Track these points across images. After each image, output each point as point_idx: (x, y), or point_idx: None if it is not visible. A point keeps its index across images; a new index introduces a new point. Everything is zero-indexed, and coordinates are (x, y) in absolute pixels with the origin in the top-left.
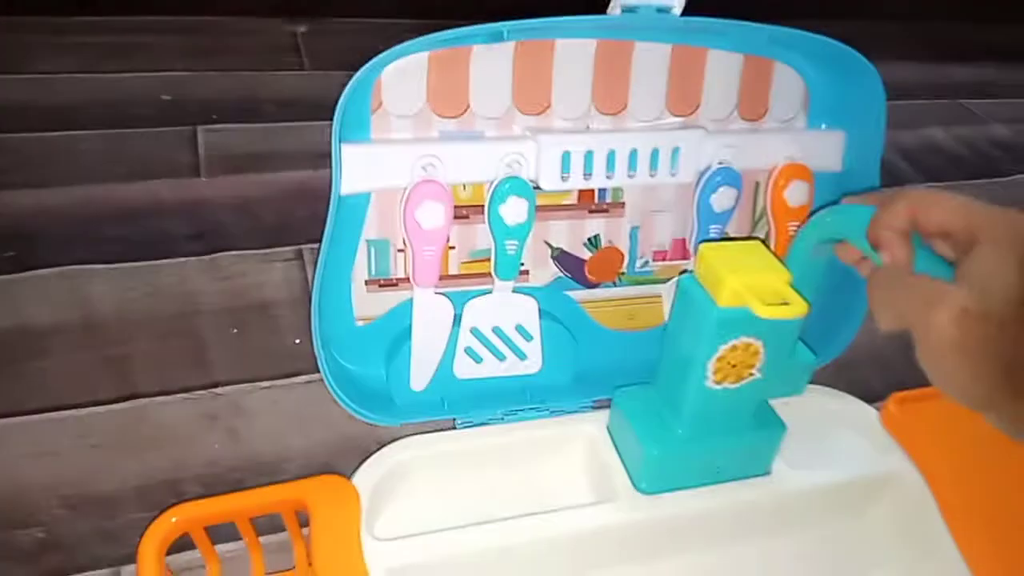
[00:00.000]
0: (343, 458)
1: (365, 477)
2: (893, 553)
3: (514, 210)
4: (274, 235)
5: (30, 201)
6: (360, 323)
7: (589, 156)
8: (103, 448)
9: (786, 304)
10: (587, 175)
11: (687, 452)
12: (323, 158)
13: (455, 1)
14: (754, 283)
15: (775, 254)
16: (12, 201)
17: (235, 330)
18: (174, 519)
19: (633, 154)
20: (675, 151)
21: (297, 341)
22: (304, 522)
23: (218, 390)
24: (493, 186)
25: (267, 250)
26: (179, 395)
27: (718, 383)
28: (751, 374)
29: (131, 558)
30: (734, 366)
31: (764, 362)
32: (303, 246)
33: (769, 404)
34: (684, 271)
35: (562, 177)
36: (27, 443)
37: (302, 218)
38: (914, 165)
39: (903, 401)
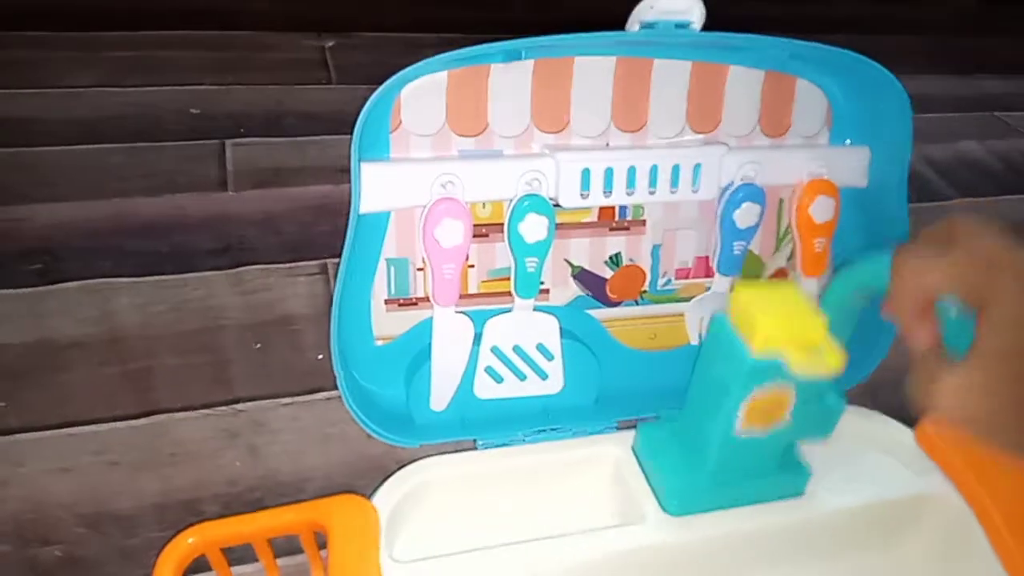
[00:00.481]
0: (363, 477)
1: (385, 497)
2: None
3: (534, 228)
4: (299, 249)
5: (57, 214)
6: (380, 342)
7: (609, 173)
8: (122, 465)
9: (821, 355)
10: (607, 192)
11: (711, 497)
12: (349, 173)
13: (480, 16)
14: (790, 330)
15: (811, 299)
16: (39, 214)
17: (258, 345)
18: (191, 540)
19: (653, 170)
20: (696, 167)
21: (319, 357)
22: (322, 543)
23: (239, 406)
24: (512, 204)
25: (291, 264)
26: (200, 411)
27: (746, 429)
28: (780, 419)
29: None
30: (764, 413)
31: (794, 408)
32: (327, 260)
33: (796, 446)
34: (707, 289)
35: (581, 195)
36: (48, 458)
37: (327, 232)
38: (947, 179)
39: (939, 420)
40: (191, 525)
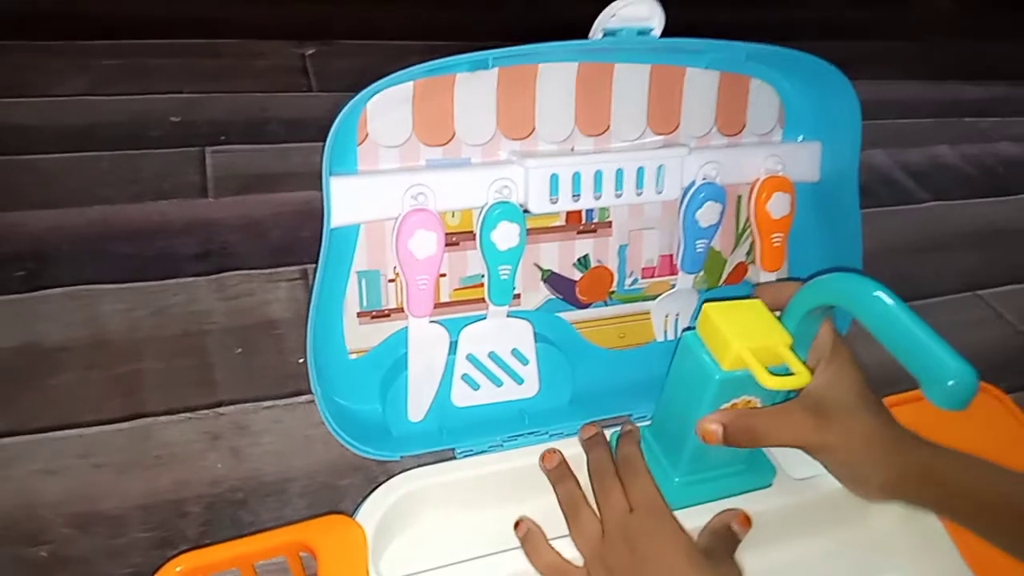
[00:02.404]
0: (344, 478)
1: (369, 514)
2: (897, 558)
3: (506, 235)
4: (280, 255)
5: (42, 220)
6: (353, 356)
7: (576, 178)
8: (108, 467)
9: (788, 372)
10: (575, 196)
11: (683, 497)
12: None
13: (459, 22)
14: (757, 347)
15: (774, 316)
16: (25, 220)
17: (240, 349)
18: (179, 568)
19: (619, 174)
20: (660, 169)
21: (300, 360)
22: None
23: (222, 409)
24: (483, 212)
25: (273, 270)
26: (183, 414)
27: None
28: None
29: (134, 575)
30: None
31: None
32: (308, 266)
33: (761, 449)
34: (672, 286)
35: (551, 200)
36: (35, 461)
37: (307, 238)
38: (920, 183)
39: (894, 405)
40: (182, 552)
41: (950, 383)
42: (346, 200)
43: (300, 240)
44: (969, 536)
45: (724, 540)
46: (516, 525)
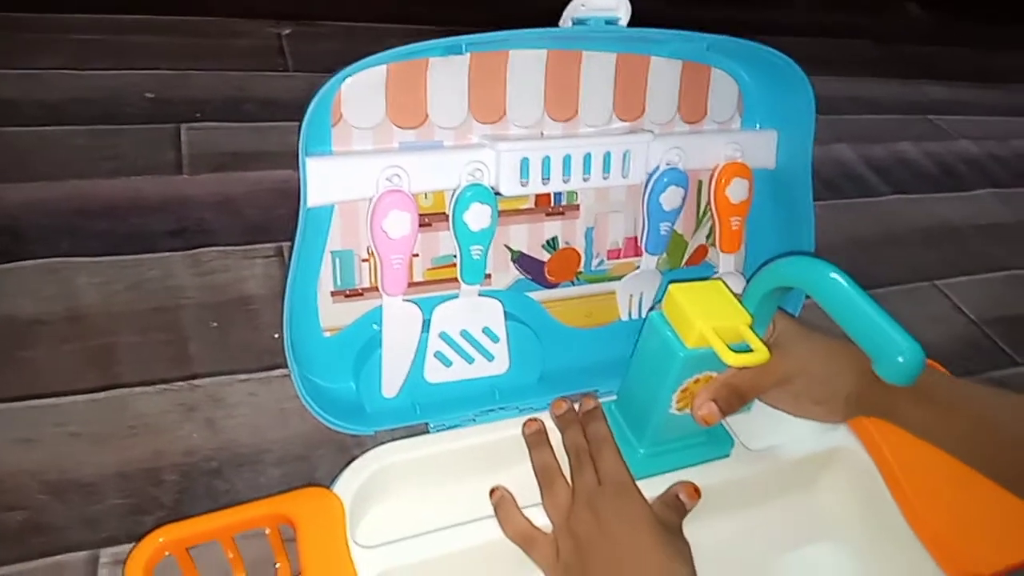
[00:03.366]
0: (319, 449)
1: (346, 486)
2: (844, 521)
3: (478, 216)
4: (255, 232)
5: (17, 194)
6: (328, 334)
7: (546, 162)
8: (84, 436)
9: (748, 349)
10: (545, 180)
11: (647, 467)
12: None
13: (436, 6)
14: (719, 326)
15: (736, 295)
16: (2, 194)
17: (215, 324)
18: (160, 539)
19: (587, 158)
20: (626, 154)
21: (276, 336)
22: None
23: (197, 382)
24: (456, 194)
25: (248, 247)
26: (159, 386)
27: (679, 410)
28: None
29: (110, 542)
30: (694, 395)
31: None
32: (283, 244)
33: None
34: (636, 267)
35: (521, 183)
36: (10, 429)
37: (283, 216)
38: (883, 177)
39: None
40: (151, 514)
41: (899, 359)
42: (321, 180)
43: (275, 218)
44: (910, 496)
45: (675, 510)
46: (491, 492)
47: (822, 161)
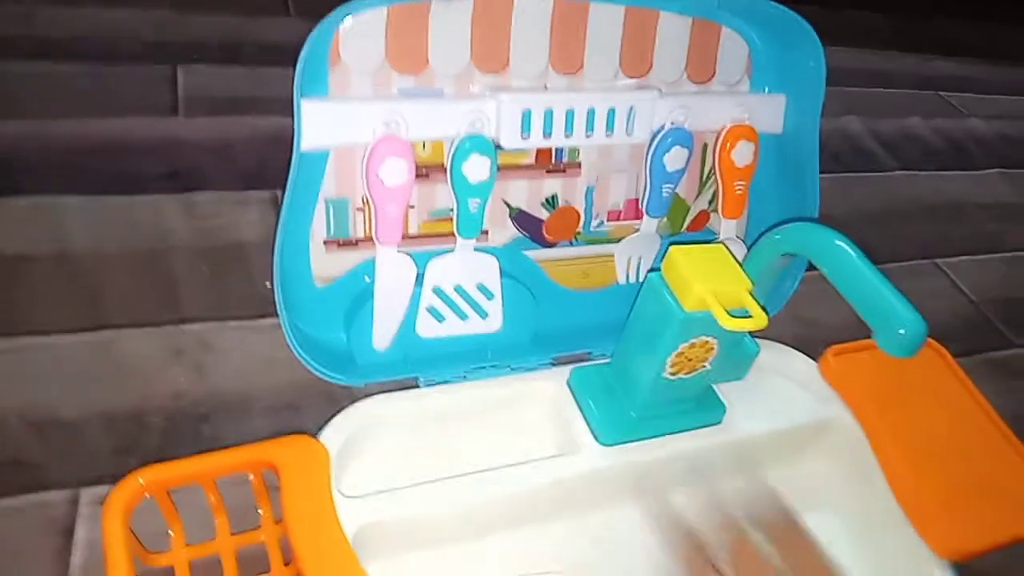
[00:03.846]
0: (307, 399)
1: (333, 435)
2: (832, 492)
3: (477, 168)
4: (250, 179)
5: (8, 130)
6: (319, 284)
7: (549, 115)
8: (69, 375)
9: (747, 315)
10: (547, 134)
11: (638, 431)
12: None
13: None
14: (719, 291)
15: (737, 260)
16: None
17: (207, 269)
18: (141, 480)
19: (591, 114)
20: (631, 111)
21: (268, 284)
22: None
23: (186, 326)
24: (455, 144)
25: (243, 192)
26: (147, 328)
27: (674, 375)
28: (703, 366)
29: (92, 481)
30: (690, 360)
31: (716, 356)
32: (279, 191)
33: (712, 387)
34: (636, 230)
35: (522, 136)
36: None
37: (279, 163)
38: (891, 152)
39: (840, 353)
40: (136, 455)
41: (901, 331)
42: (317, 123)
43: (272, 165)
44: (899, 471)
45: None
46: None
47: (829, 133)
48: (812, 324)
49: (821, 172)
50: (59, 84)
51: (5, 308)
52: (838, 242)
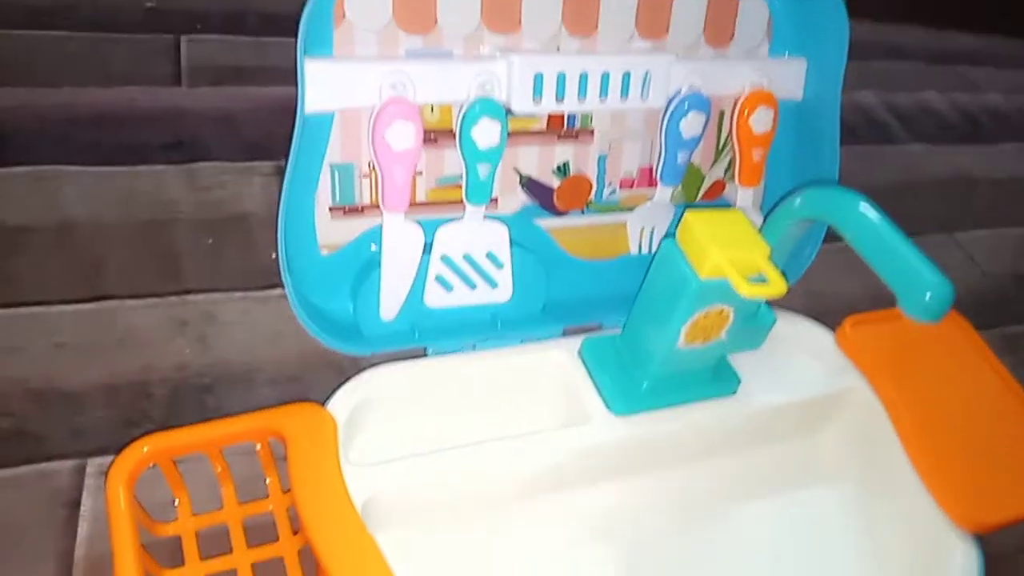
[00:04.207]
0: (312, 372)
1: (340, 404)
2: (849, 465)
3: (487, 132)
4: (254, 149)
5: (8, 100)
6: (325, 252)
7: (561, 78)
8: (71, 347)
9: (765, 280)
10: (559, 99)
11: (649, 402)
12: None
13: None
14: (735, 257)
15: (754, 226)
16: None
17: (210, 241)
18: (145, 448)
19: (605, 78)
20: (646, 75)
21: (273, 256)
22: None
23: (189, 297)
24: (464, 108)
25: (247, 163)
26: (150, 299)
27: (688, 344)
28: (719, 336)
29: (97, 452)
30: (705, 329)
31: (732, 324)
32: (283, 162)
33: (726, 357)
34: (649, 200)
35: (534, 100)
36: None
37: (283, 134)
38: (905, 125)
39: (857, 324)
40: (140, 426)
41: (927, 295)
42: (321, 85)
43: (276, 136)
44: (919, 443)
45: None
46: None
47: (844, 107)
48: (826, 296)
49: None
50: (57, 53)
51: (6, 279)
52: (861, 204)
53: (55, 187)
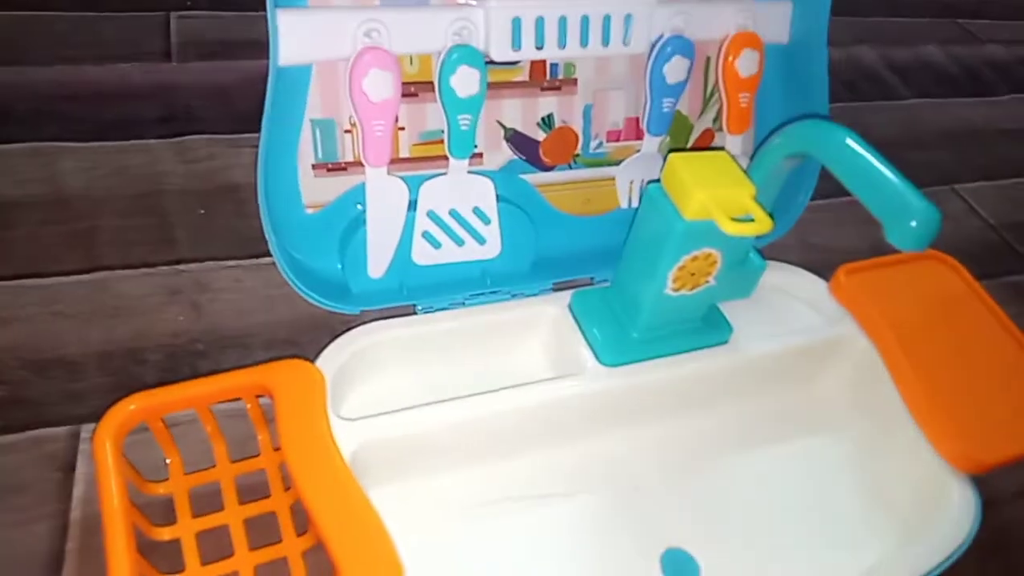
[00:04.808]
0: (305, 335)
1: (329, 361)
2: (846, 411)
3: (465, 81)
4: (244, 122)
5: (2, 77)
6: (310, 210)
7: (540, 23)
8: (67, 315)
9: (751, 219)
10: (539, 46)
11: (640, 352)
12: None
13: None
14: (720, 197)
15: (740, 167)
16: None
17: (202, 211)
18: (132, 406)
19: (585, 21)
20: (628, 18)
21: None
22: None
23: (182, 267)
24: (442, 56)
25: (237, 135)
26: (143, 269)
27: (676, 290)
28: (707, 281)
29: (92, 418)
30: (693, 275)
31: (720, 270)
32: None
33: (718, 307)
34: (637, 151)
35: (513, 48)
36: None
37: None
38: (904, 79)
39: (851, 272)
40: (135, 391)
41: (912, 223)
42: (294, 36)
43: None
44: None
45: None
46: None
47: (842, 63)
48: (823, 250)
49: (834, 101)
50: (48, 31)
51: (3, 251)
52: (843, 134)
53: (49, 162)
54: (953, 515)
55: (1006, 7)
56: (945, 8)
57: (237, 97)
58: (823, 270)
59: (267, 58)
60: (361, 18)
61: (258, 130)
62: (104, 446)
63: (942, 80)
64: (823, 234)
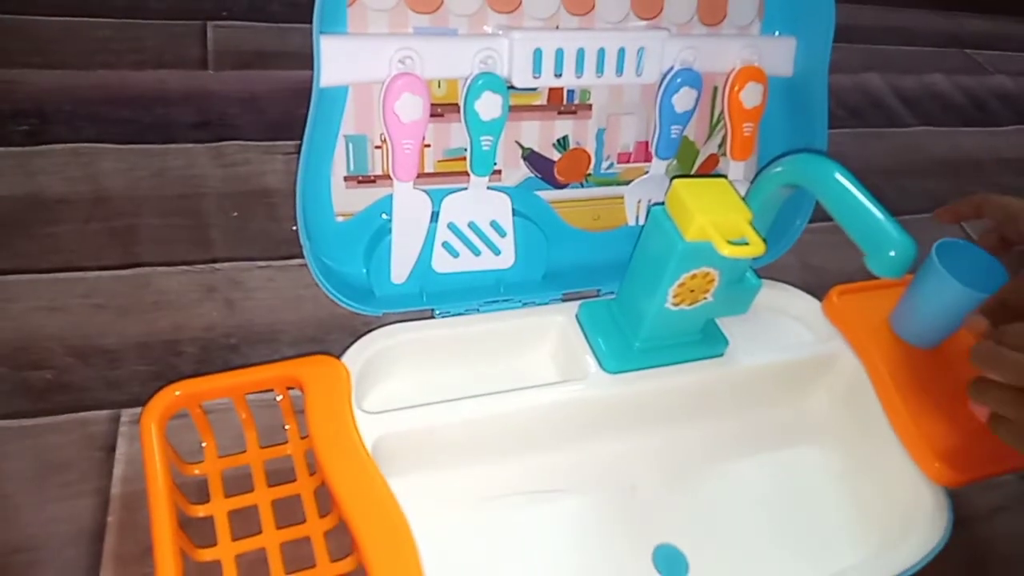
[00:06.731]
0: (331, 333)
1: (354, 357)
2: (833, 426)
3: (489, 105)
4: (277, 129)
5: (47, 80)
6: (340, 219)
7: (560, 54)
8: (108, 308)
9: (745, 243)
10: (557, 74)
11: (640, 361)
12: None
13: None
14: (719, 221)
15: (739, 194)
16: (30, 79)
17: (236, 213)
18: (177, 392)
19: (601, 53)
20: (640, 51)
21: (294, 228)
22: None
23: (217, 265)
24: (468, 82)
25: (270, 142)
26: (180, 267)
27: (676, 305)
28: (705, 298)
29: (132, 403)
30: (692, 291)
31: (718, 287)
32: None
33: (716, 322)
34: (645, 172)
35: (534, 75)
36: (38, 298)
37: (304, 115)
38: (910, 108)
39: (843, 293)
40: (172, 366)
41: (891, 253)
42: (335, 60)
43: (297, 117)
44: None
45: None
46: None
47: (850, 89)
48: (821, 271)
49: (839, 127)
50: (90, 37)
51: (45, 246)
52: (832, 168)
53: (91, 162)
54: (927, 524)
55: (1016, 39)
56: (953, 38)
57: (270, 105)
58: (820, 290)
59: (298, 69)
60: (396, 45)
61: (290, 138)
62: (150, 428)
63: (947, 109)
64: (822, 256)
